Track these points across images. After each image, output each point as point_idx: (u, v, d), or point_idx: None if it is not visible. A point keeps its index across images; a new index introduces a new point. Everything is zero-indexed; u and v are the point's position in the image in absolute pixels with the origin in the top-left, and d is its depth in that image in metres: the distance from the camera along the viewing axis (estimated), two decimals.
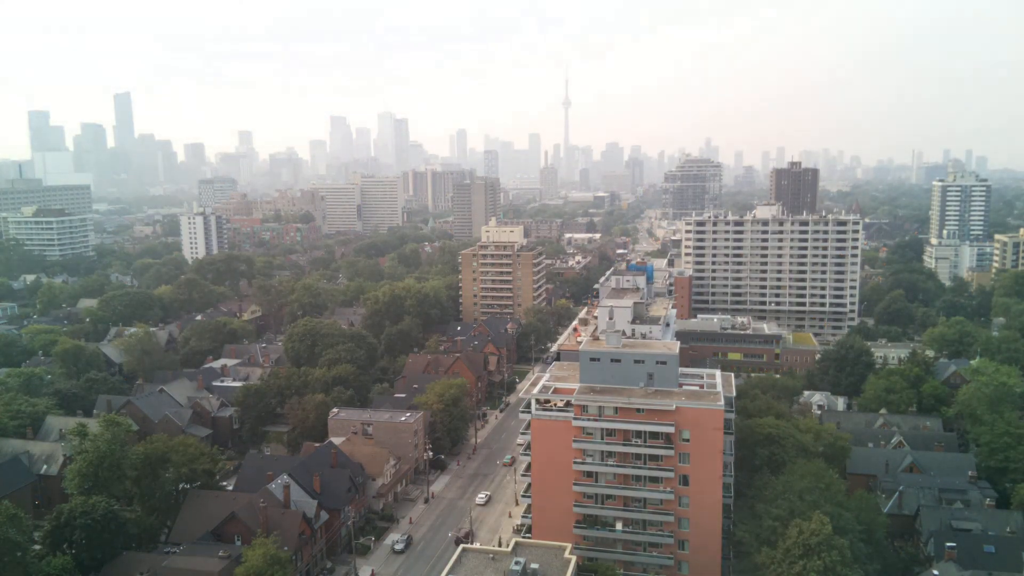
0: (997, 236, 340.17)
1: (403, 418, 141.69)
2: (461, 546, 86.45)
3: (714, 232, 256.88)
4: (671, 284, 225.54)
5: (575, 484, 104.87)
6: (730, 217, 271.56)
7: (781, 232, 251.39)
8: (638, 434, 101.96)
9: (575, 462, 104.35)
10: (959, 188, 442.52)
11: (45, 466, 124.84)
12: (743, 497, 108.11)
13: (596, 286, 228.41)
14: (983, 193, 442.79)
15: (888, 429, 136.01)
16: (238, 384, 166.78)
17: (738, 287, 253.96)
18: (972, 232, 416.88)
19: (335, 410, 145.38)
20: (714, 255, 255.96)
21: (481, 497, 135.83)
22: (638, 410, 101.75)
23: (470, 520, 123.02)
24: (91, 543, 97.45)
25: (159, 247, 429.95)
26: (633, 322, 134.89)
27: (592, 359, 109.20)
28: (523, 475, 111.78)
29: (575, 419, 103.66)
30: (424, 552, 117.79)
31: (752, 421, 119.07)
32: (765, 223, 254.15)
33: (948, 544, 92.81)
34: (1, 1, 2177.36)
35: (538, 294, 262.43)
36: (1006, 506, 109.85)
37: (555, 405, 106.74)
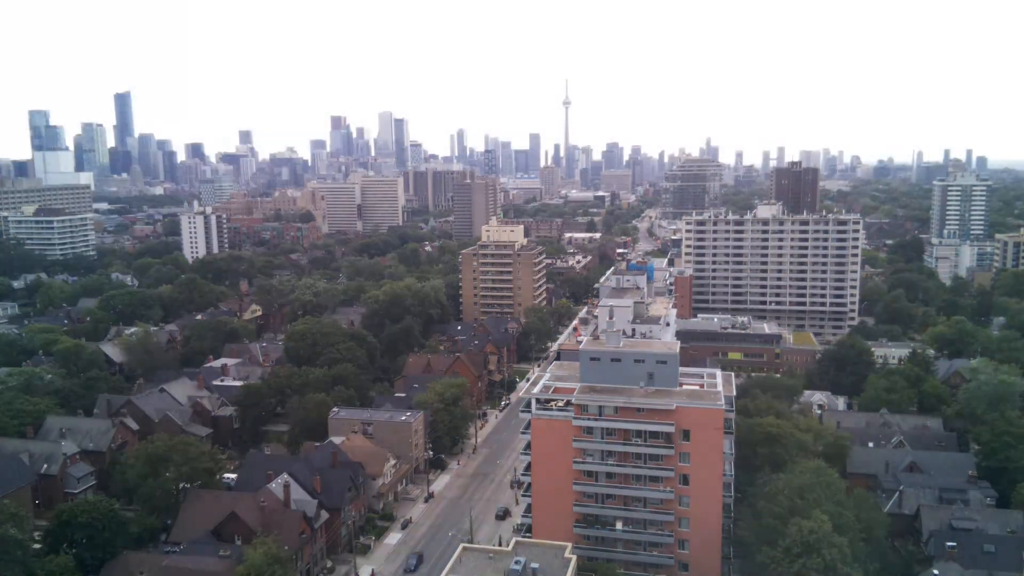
0: (997, 236, 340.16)
1: (403, 418, 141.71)
2: (461, 546, 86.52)
3: (714, 232, 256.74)
4: (671, 284, 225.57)
5: (575, 483, 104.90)
6: (730, 217, 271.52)
7: (781, 232, 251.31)
8: (638, 433, 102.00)
9: (575, 461, 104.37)
10: (959, 188, 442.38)
11: (45, 465, 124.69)
12: (743, 496, 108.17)
13: (596, 286, 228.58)
14: (983, 193, 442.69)
15: (888, 429, 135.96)
16: (238, 384, 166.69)
17: (738, 287, 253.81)
18: (972, 232, 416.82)
19: (335, 409, 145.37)
20: (714, 255, 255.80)
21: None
22: (638, 410, 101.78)
23: (471, 519, 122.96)
24: (91, 542, 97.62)
25: (159, 247, 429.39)
26: (633, 322, 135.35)
27: (592, 358, 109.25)
28: (523, 475, 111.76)
29: (575, 419, 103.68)
30: (424, 551, 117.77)
31: (752, 420, 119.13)
32: (765, 223, 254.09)
33: (948, 544, 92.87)
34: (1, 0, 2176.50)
35: (538, 294, 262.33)
36: (1006, 506, 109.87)
37: (555, 404, 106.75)
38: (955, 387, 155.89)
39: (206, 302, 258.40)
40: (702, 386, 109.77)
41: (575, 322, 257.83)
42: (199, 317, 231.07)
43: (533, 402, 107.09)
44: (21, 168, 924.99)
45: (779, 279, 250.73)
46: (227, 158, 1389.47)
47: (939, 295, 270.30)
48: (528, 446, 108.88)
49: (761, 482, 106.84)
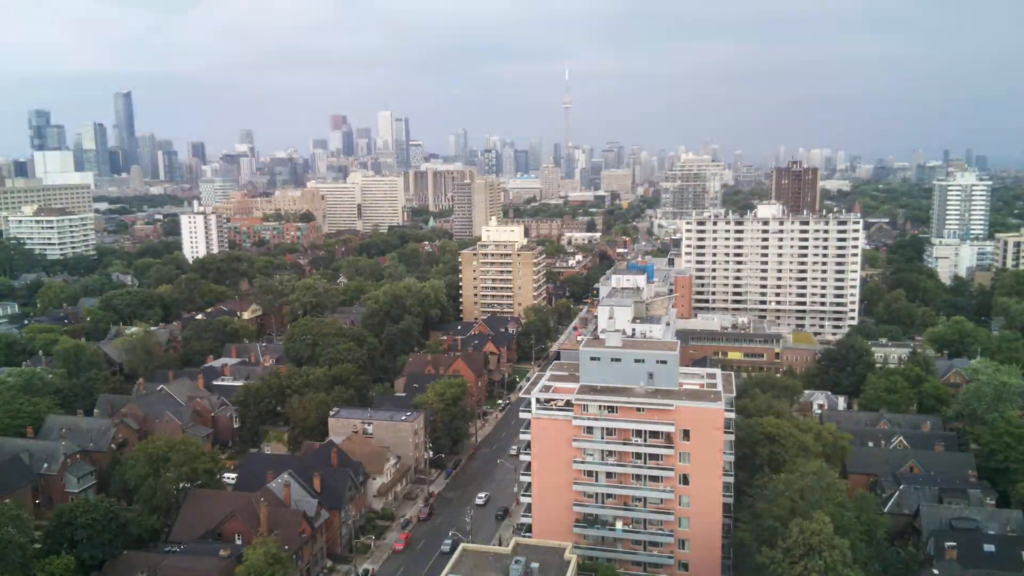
0: (997, 235, 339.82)
1: (403, 418, 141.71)
2: (461, 546, 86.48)
3: (715, 231, 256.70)
4: (671, 284, 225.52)
5: (575, 483, 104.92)
6: (730, 217, 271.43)
7: (782, 231, 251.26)
8: (638, 433, 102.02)
9: (575, 461, 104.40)
10: (960, 187, 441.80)
11: (45, 465, 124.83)
12: (743, 496, 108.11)
13: (596, 286, 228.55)
14: (984, 192, 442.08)
15: (888, 429, 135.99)
16: (238, 383, 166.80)
17: (739, 286, 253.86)
18: (972, 232, 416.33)
19: (335, 409, 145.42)
20: (715, 254, 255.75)
21: (480, 497, 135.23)
22: (638, 409, 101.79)
23: (470, 518, 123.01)
24: (92, 542, 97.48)
25: (160, 246, 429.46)
26: (633, 321, 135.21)
27: (592, 358, 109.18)
28: (523, 474, 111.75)
29: (575, 418, 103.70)
30: (424, 551, 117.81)
31: (752, 420, 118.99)
32: (766, 222, 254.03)
33: (948, 544, 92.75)
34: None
35: (538, 293, 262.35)
36: (1006, 505, 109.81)
37: (555, 404, 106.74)
38: (955, 387, 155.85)
39: (206, 302, 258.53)
40: (702, 386, 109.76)
41: (575, 322, 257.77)
42: (199, 317, 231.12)
43: (533, 402, 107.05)
44: (21, 168, 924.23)
45: (779, 279, 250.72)
46: (227, 158, 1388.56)
47: (939, 295, 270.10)
48: (528, 446, 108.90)
49: (761, 482, 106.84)
